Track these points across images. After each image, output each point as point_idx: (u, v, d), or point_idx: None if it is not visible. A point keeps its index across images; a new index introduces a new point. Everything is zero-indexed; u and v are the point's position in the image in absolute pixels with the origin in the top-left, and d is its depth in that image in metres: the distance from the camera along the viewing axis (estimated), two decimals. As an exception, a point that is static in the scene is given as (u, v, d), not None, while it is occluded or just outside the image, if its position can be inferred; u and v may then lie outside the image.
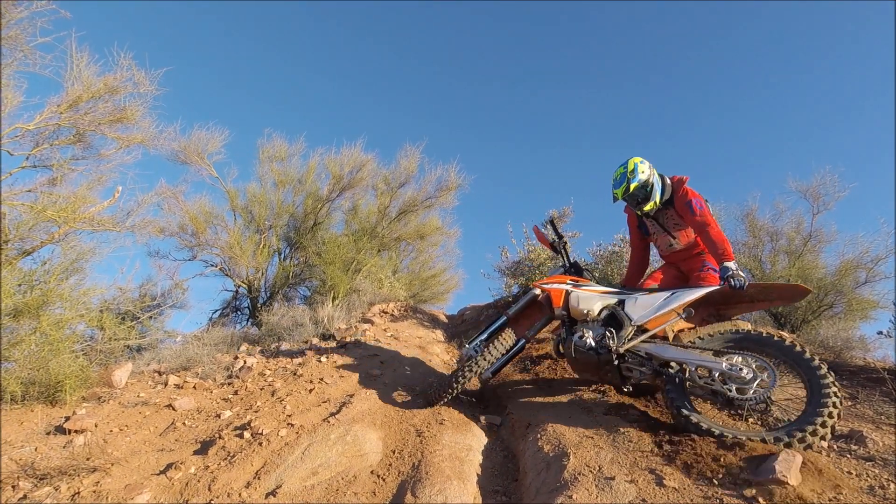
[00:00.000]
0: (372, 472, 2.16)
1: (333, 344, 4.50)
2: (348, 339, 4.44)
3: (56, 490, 1.88)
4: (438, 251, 9.25)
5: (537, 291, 3.01)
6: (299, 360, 3.92)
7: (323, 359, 3.89)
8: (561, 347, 2.84)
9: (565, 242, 3.21)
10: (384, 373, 3.56)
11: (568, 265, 3.15)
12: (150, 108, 4.27)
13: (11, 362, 2.84)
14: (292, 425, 2.46)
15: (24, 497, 1.86)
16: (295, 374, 3.51)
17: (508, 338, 2.86)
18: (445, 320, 7.00)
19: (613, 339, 2.53)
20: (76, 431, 2.47)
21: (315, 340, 4.66)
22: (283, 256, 7.58)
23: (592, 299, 2.78)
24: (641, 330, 2.60)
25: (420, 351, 4.44)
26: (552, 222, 3.28)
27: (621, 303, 2.75)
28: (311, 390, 3.07)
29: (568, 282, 2.94)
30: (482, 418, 2.91)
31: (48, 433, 2.48)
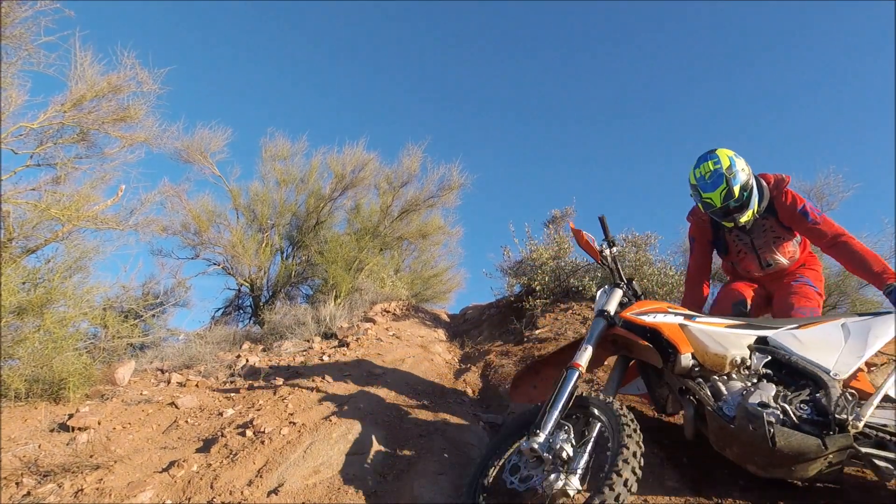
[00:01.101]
0: (374, 471, 2.16)
1: (335, 343, 4.51)
2: (350, 338, 4.44)
3: (59, 487, 1.89)
4: (440, 250, 9.28)
5: (608, 322, 1.95)
6: (301, 358, 3.93)
7: (325, 357, 3.90)
8: (707, 423, 1.70)
9: (617, 252, 2.26)
10: (386, 372, 3.57)
11: (623, 283, 2.15)
12: (154, 107, 4.31)
13: (15, 360, 2.85)
14: (294, 424, 2.47)
15: (28, 494, 1.87)
16: (297, 372, 3.52)
17: (634, 438, 1.52)
18: (447, 319, 7.01)
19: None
20: (79, 429, 2.48)
21: (317, 339, 4.67)
22: (285, 255, 7.60)
23: (729, 336, 1.82)
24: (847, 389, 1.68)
25: (422, 350, 4.44)
26: (602, 222, 2.27)
27: (763, 341, 1.86)
28: (312, 389, 3.08)
29: (669, 310, 1.97)
30: (484, 418, 2.91)
31: (52, 430, 2.49)
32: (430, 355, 4.35)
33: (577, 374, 1.75)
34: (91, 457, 2.19)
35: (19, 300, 2.95)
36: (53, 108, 3.82)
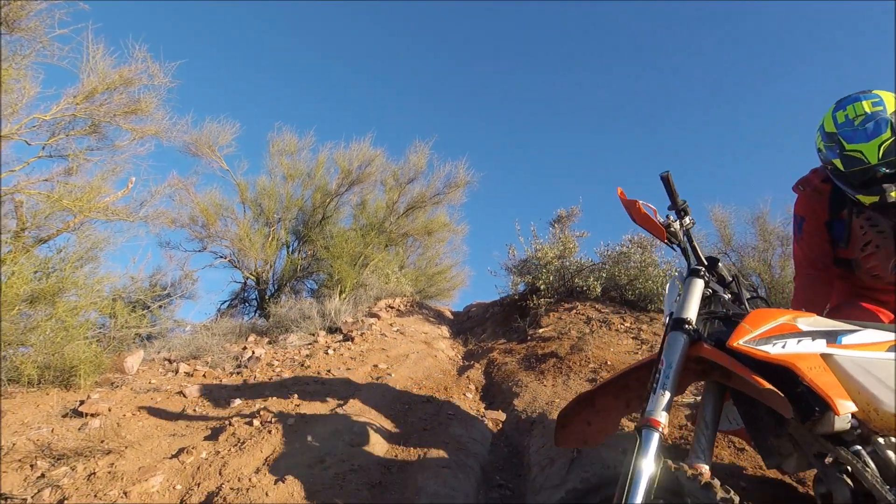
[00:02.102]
0: (378, 463, 2.20)
1: (340, 337, 4.55)
2: (355, 333, 4.48)
3: (73, 470, 1.94)
4: (445, 247, 9.31)
5: (690, 336, 1.26)
6: (307, 351, 3.98)
7: (330, 351, 3.95)
8: None
9: (690, 225, 1.55)
10: (390, 367, 3.61)
11: (703, 269, 1.42)
12: (164, 101, 4.34)
13: (28, 347, 2.91)
14: (300, 414, 2.50)
15: (42, 476, 1.92)
16: (302, 365, 3.57)
17: None
18: (451, 317, 7.04)
19: None
20: (91, 415, 2.53)
21: (322, 333, 4.71)
22: (291, 249, 7.66)
23: None
24: None
25: (426, 346, 4.48)
26: (667, 182, 1.54)
27: None
28: (317, 381, 3.12)
29: (800, 324, 1.23)
30: (487, 413, 2.94)
31: (64, 416, 2.55)
32: (434, 351, 4.38)
33: (655, 437, 1.10)
34: (102, 442, 2.23)
35: (32, 289, 3.00)
36: (66, 100, 3.86)
